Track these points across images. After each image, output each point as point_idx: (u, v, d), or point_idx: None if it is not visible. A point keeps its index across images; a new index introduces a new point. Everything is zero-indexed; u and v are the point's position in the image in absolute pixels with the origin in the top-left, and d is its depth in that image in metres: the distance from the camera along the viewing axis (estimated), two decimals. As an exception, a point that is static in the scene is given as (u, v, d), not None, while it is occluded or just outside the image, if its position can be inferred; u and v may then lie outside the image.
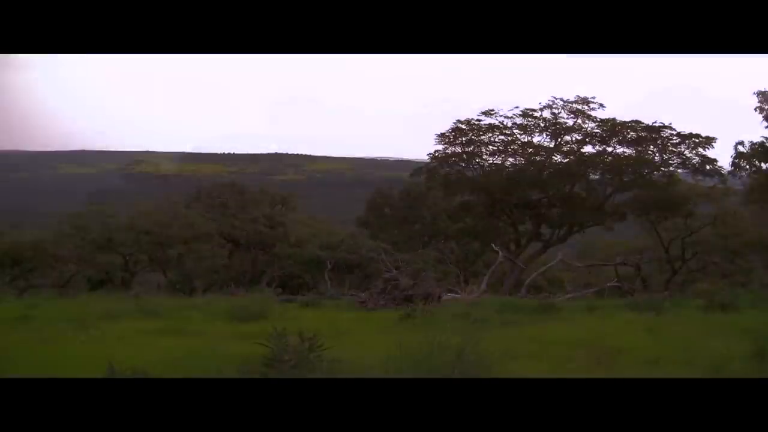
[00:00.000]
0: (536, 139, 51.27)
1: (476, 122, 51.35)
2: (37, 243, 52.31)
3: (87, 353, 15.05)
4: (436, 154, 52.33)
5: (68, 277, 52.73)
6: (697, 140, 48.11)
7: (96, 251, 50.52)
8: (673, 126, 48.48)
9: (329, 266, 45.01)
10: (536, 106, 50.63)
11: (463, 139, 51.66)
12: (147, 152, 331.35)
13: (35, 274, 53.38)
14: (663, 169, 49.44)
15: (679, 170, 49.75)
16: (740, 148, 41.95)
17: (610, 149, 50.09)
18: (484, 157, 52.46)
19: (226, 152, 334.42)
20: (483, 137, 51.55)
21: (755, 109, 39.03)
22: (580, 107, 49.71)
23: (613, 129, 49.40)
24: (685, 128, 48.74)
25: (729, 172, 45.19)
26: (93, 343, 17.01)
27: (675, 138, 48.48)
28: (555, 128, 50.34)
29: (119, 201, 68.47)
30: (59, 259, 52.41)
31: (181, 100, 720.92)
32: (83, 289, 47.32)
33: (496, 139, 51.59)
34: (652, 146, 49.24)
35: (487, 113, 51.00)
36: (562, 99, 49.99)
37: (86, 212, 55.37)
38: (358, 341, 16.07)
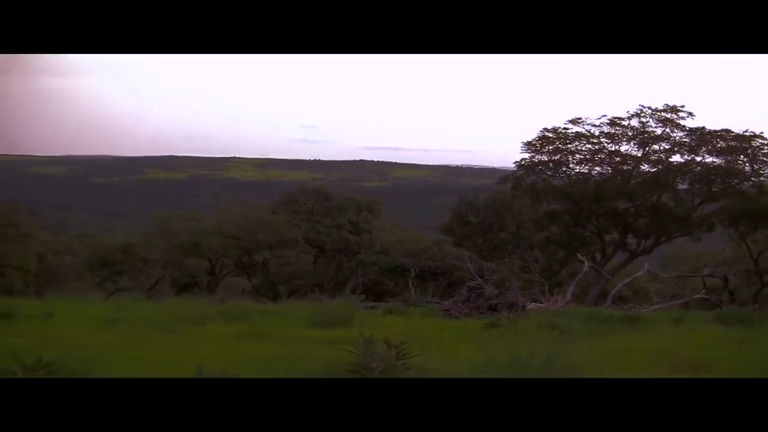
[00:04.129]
0: (623, 148, 50.70)
1: (563, 130, 51.05)
2: (126, 246, 53.26)
3: (174, 356, 15.27)
4: (523, 162, 52.12)
5: (155, 281, 53.57)
6: (789, 150, 47.26)
7: (183, 255, 51.22)
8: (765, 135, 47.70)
9: (413, 273, 45.07)
10: (624, 114, 50.22)
11: (550, 147, 51.34)
12: (234, 158, 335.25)
13: (123, 277, 54.34)
14: (753, 179, 48.46)
15: (770, 180, 48.84)
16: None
17: (698, 159, 49.26)
18: (571, 165, 52.06)
19: (311, 158, 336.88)
20: (570, 145, 51.17)
21: None
22: (668, 116, 49.06)
23: (702, 138, 48.63)
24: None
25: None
26: (180, 347, 17.24)
27: (766, 147, 47.60)
28: (643, 137, 49.75)
29: (206, 206, 69.26)
30: (147, 262, 53.30)
31: (268, 105, 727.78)
32: (170, 292, 48.02)
33: (583, 148, 51.16)
34: (742, 156, 48.40)
35: (574, 121, 50.67)
36: (650, 107, 49.46)
37: (174, 216, 56.17)
38: (443, 350, 16.03)
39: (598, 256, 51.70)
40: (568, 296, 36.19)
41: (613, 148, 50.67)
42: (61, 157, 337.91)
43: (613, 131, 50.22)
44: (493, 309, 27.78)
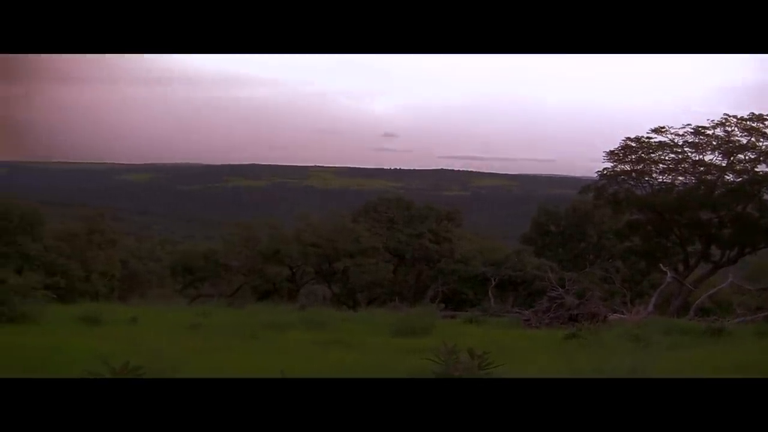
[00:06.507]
0: (708, 157, 50.11)
1: (646, 140, 50.61)
2: (208, 253, 53.92)
3: (256, 362, 15.44)
4: (605, 172, 51.80)
5: (237, 287, 54.10)
6: None
7: (264, 262, 51.68)
8: None
9: (493, 283, 44.90)
10: (707, 124, 49.61)
11: (633, 156, 50.98)
12: (315, 167, 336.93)
13: (205, 283, 55.02)
14: (842, 189, 47.73)
15: None
16: None
17: (786, 168, 48.56)
18: (654, 175, 51.65)
19: (392, 168, 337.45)
20: (653, 155, 50.73)
21: None
22: (754, 125, 48.36)
23: (789, 147, 47.91)
24: None
25: None
26: (261, 353, 17.43)
27: None
28: (727, 146, 49.08)
29: (286, 214, 69.78)
30: (228, 269, 53.85)
31: (350, 114, 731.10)
32: (251, 298, 48.46)
33: (667, 157, 50.71)
34: (831, 165, 47.64)
35: (658, 131, 50.22)
36: (735, 116, 48.79)
37: (255, 224, 56.72)
38: (524, 360, 15.97)
39: (681, 267, 51.13)
40: (650, 307, 35.84)
41: (696, 158, 50.12)
42: (145, 165, 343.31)
43: (697, 140, 49.64)
44: (573, 320, 27.69)
